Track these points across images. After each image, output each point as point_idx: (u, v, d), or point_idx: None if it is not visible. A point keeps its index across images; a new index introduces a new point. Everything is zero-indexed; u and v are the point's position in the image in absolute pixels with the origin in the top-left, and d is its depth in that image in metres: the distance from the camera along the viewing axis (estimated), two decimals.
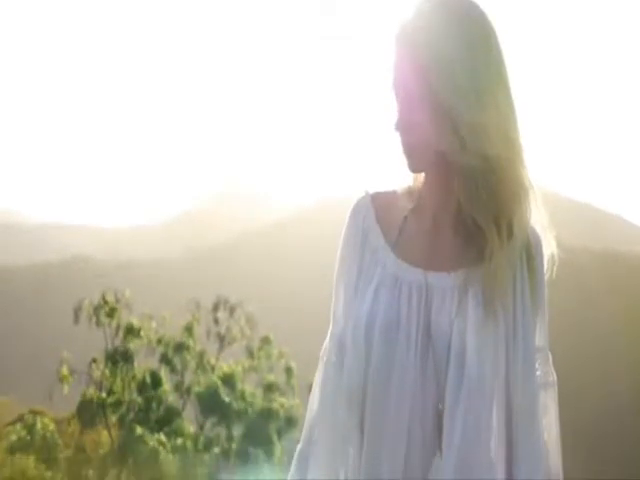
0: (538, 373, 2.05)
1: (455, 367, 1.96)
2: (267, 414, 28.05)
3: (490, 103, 2.00)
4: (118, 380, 28.57)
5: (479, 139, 1.97)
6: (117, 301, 29.21)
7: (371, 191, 2.20)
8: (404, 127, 2.06)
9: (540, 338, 2.08)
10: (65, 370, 28.43)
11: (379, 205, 2.17)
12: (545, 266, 2.09)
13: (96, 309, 29.00)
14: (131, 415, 28.32)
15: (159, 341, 28.86)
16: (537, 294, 2.07)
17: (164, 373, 28.96)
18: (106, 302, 29.04)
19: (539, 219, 2.09)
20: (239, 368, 28.90)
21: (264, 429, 27.72)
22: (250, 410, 28.15)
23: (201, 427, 28.75)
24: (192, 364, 29.08)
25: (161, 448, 27.32)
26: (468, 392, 1.94)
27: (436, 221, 2.09)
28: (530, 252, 2.06)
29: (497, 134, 1.99)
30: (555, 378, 2.11)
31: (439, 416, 1.96)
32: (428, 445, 1.96)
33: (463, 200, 2.02)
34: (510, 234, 2.01)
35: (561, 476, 2.05)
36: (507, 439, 2.00)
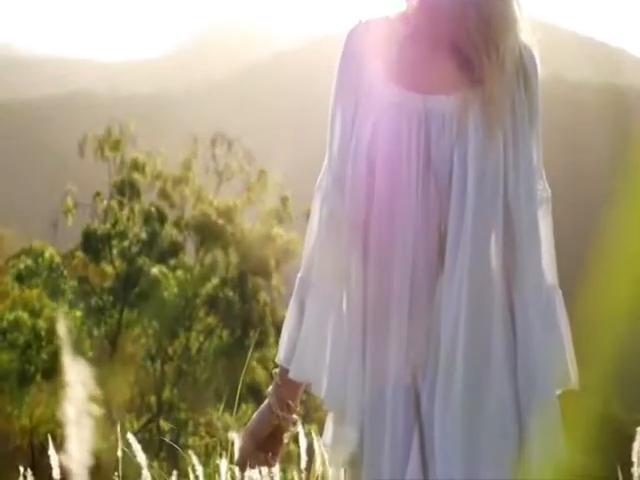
0: (537, 191, 2.13)
1: (457, 193, 2.02)
2: (264, 239, 28.25)
3: None
4: (123, 213, 28.78)
5: None
6: (122, 133, 29.21)
7: (365, 19, 2.20)
8: None
9: (537, 157, 2.13)
10: (69, 202, 28.64)
11: (375, 32, 2.17)
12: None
13: (101, 142, 29.02)
14: (135, 248, 28.61)
15: (158, 176, 28.95)
16: (534, 114, 2.12)
17: (164, 208, 29.16)
18: (110, 135, 29.04)
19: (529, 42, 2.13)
20: (237, 202, 29.03)
21: (261, 255, 27.96)
22: (247, 238, 28.35)
23: (201, 263, 29.07)
24: (191, 199, 29.21)
25: (163, 279, 27.72)
26: (470, 216, 2.01)
27: (432, 47, 2.12)
28: (526, 74, 2.11)
29: None
30: (549, 194, 2.17)
31: (442, 238, 2.04)
32: (433, 267, 2.05)
33: (453, 33, 2.07)
34: (500, 59, 2.05)
35: (556, 283, 2.13)
36: (506, 257, 2.06)
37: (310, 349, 2.11)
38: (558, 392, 2.07)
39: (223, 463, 3.56)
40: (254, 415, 2.23)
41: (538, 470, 2.01)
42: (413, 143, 2.06)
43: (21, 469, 4.60)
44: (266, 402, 2.22)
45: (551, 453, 1.99)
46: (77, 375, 1.04)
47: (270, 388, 2.23)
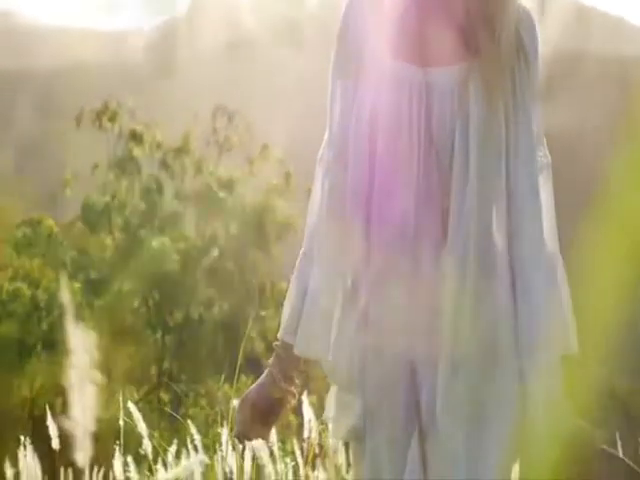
0: (537, 158, 2.12)
1: (459, 165, 2.03)
2: (265, 212, 28.26)
3: None
4: (123, 186, 28.81)
5: None
6: (119, 105, 29.20)
7: None
8: None
9: (537, 125, 2.13)
10: (68, 174, 28.68)
11: (372, 3, 2.15)
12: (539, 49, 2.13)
13: (98, 114, 29.02)
14: (135, 220, 28.64)
15: (158, 146, 28.94)
16: (534, 82, 2.11)
17: (165, 179, 29.18)
18: (108, 108, 29.04)
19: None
20: (238, 173, 29.03)
21: (262, 227, 28.00)
22: (248, 209, 28.36)
23: (201, 234, 29.10)
24: (191, 170, 29.21)
25: (164, 250, 27.77)
26: (473, 188, 2.02)
27: (431, 18, 2.10)
28: (526, 42, 2.10)
29: None
30: (550, 160, 2.17)
31: (444, 212, 2.04)
32: (436, 240, 2.04)
33: (450, 4, 2.07)
34: (498, 31, 2.04)
35: (558, 250, 2.14)
36: (508, 226, 2.06)
37: (316, 325, 2.12)
38: (559, 357, 2.08)
39: (224, 432, 3.58)
40: (254, 388, 2.23)
41: (540, 435, 2.02)
42: (414, 117, 2.05)
43: (22, 438, 4.63)
44: (266, 375, 2.22)
45: (553, 418, 2.00)
46: (79, 341, 1.05)
47: (271, 361, 2.23)
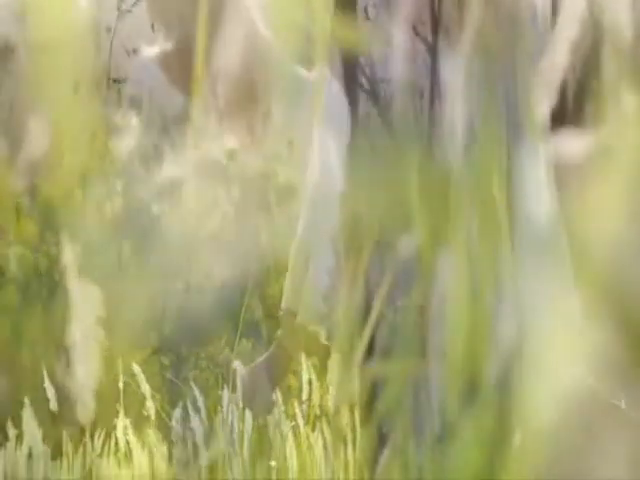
0: (537, 126, 2.11)
1: (462, 138, 2.03)
2: (266, 176, 28.33)
3: None
4: (121, 152, 28.81)
5: None
6: (117, 72, 29.18)
7: None
8: None
9: (534, 99, 2.10)
10: (66, 141, 28.71)
11: None
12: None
13: (97, 80, 29.02)
14: (134, 186, 28.67)
15: (159, 112, 28.95)
16: (534, 55, 2.09)
17: (165, 145, 29.14)
18: (106, 74, 29.03)
19: None
20: (239, 139, 29.02)
21: (263, 192, 28.07)
22: (249, 175, 28.40)
23: (202, 200, 29.09)
24: (192, 137, 29.19)
25: (164, 216, 27.83)
26: (475, 162, 2.02)
27: None
28: (525, 21, 2.09)
29: None
30: (548, 127, 2.16)
31: (446, 183, 2.03)
32: (436, 216, 2.04)
33: None
34: (495, 8, 2.04)
35: (557, 212, 2.10)
36: (507, 196, 2.05)
37: (319, 295, 2.17)
38: (562, 319, 2.06)
39: (225, 395, 3.59)
40: (267, 363, 2.24)
41: (544, 393, 2.03)
42: (418, 90, 2.06)
43: (26, 401, 4.65)
44: (276, 346, 2.22)
45: (556, 375, 2.00)
46: (83, 298, 1.05)
47: (279, 332, 2.23)
